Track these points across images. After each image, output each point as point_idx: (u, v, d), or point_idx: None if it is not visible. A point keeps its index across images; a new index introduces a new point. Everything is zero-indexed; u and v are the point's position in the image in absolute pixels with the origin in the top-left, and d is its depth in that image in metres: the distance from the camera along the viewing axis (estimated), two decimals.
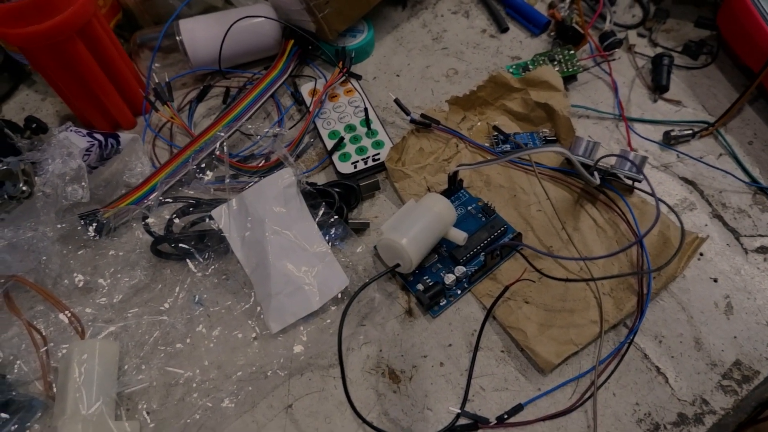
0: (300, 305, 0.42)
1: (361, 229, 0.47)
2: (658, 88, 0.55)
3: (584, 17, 0.58)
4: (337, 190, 0.46)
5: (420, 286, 0.42)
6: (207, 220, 0.46)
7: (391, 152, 0.50)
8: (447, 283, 0.42)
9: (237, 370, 0.40)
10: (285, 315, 0.42)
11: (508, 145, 0.51)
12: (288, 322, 0.42)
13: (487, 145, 0.51)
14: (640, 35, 0.61)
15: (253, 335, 0.42)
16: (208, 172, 0.51)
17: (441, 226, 0.42)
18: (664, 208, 0.46)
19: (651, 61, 0.57)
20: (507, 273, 0.44)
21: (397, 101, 0.52)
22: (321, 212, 0.45)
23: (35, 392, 0.40)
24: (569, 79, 0.56)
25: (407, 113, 0.51)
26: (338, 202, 0.46)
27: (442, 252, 0.43)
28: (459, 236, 0.42)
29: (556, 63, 0.56)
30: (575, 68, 0.55)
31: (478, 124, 0.53)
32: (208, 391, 0.40)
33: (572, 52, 0.56)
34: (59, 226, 0.43)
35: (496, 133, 0.51)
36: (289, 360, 0.41)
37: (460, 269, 0.42)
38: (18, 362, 0.41)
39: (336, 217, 0.45)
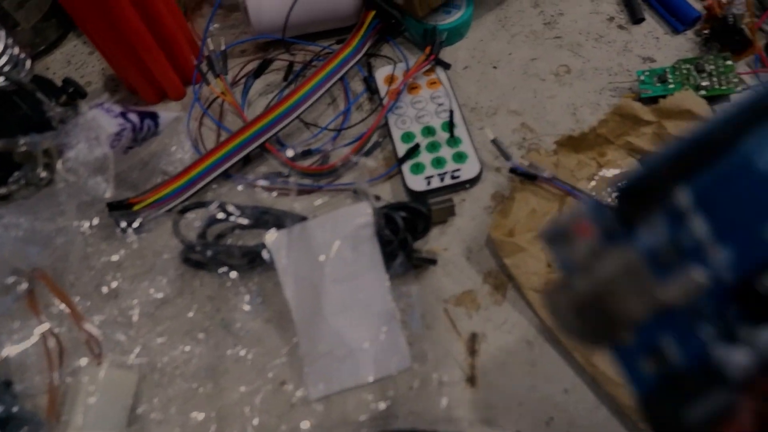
0: (349, 374, 0.35)
1: (423, 265, 0.39)
2: None
3: (753, 15, 0.44)
4: (402, 214, 0.38)
5: (647, 366, 0.13)
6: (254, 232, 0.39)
7: (497, 218, 0.39)
8: (731, 371, 0.12)
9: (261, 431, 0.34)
10: (329, 381, 0.35)
11: None
12: (331, 390, 0.35)
13: None
14: None
15: (287, 393, 0.35)
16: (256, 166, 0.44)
17: None
18: None
19: None
20: None
21: (495, 143, 0.40)
22: (398, 261, 0.36)
23: (42, 407, 0.36)
24: (719, 97, 0.43)
25: (507, 158, 0.40)
26: (403, 232, 0.37)
27: (724, 273, 0.13)
28: None
29: (705, 75, 0.43)
30: (731, 86, 0.42)
31: (602, 173, 0.41)
32: None
33: (729, 62, 0.43)
34: (85, 221, 0.38)
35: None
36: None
37: (754, 337, 0.12)
38: (31, 370, 0.36)
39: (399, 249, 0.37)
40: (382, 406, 0.35)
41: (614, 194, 0.13)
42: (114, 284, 0.38)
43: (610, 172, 0.42)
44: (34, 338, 0.35)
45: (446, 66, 0.46)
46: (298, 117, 0.44)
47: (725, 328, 0.12)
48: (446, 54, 0.49)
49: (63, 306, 0.37)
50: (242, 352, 0.37)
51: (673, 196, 0.13)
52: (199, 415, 0.35)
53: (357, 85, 0.48)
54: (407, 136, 0.43)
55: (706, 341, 0.13)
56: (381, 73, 0.46)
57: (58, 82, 0.45)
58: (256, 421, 0.35)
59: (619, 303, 0.12)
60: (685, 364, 0.12)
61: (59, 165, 0.36)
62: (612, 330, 0.12)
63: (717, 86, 0.43)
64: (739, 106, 0.13)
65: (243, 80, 0.48)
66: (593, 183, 0.41)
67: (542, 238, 0.14)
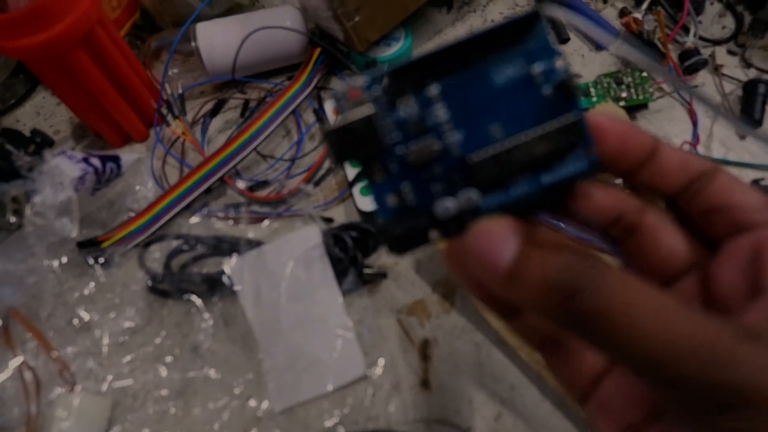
0: (309, 386, 0.38)
1: (373, 280, 0.42)
2: (748, 122, 0.46)
3: (665, 29, 0.48)
4: (352, 234, 0.41)
5: (391, 200, 0.19)
6: (216, 260, 0.42)
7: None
8: (440, 214, 0.19)
9: None
10: (292, 394, 0.37)
11: None
12: (294, 401, 0.37)
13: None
14: (730, 53, 0.51)
15: (253, 409, 0.38)
16: (217, 197, 0.47)
17: None
18: None
19: (742, 88, 0.48)
20: None
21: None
22: (349, 278, 0.39)
23: None
24: (639, 107, 0.47)
25: None
26: (352, 250, 0.40)
27: (453, 147, 0.19)
28: None
29: (623, 87, 0.47)
30: (647, 95, 0.46)
31: None
32: None
33: (645, 74, 0.47)
34: (54, 261, 0.40)
35: None
36: None
37: (471, 196, 0.19)
38: (8, 404, 0.38)
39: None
40: (343, 413, 0.38)
41: (385, 72, 0.18)
42: (86, 317, 0.40)
43: None
44: (10, 372, 0.37)
45: None
46: (254, 150, 0.47)
47: (449, 187, 0.19)
48: None
49: (38, 342, 0.40)
50: (210, 373, 0.39)
51: (426, 86, 0.19)
52: None
53: (309, 117, 0.51)
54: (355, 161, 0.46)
55: (433, 192, 0.19)
56: (330, 105, 0.50)
57: (27, 133, 0.48)
58: None
59: (360, 139, 0.18)
60: (416, 204, 0.19)
61: (27, 210, 0.39)
62: (361, 155, 0.19)
63: (635, 97, 0.47)
64: (489, 30, 0.18)
65: (201, 120, 0.51)
66: None
67: (333, 96, 0.19)
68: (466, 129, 0.19)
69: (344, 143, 0.19)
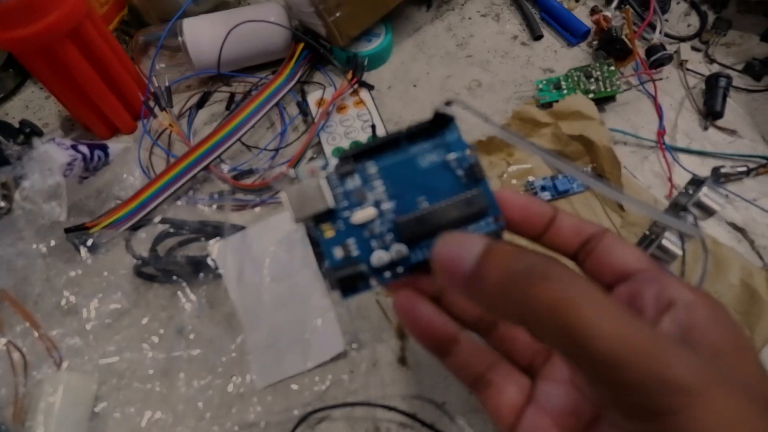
0: (290, 363, 0.39)
1: None
2: (710, 113, 0.48)
3: (632, 27, 0.51)
4: None
5: (338, 252, 0.25)
6: (201, 244, 0.43)
7: None
8: (375, 264, 0.24)
9: (214, 424, 0.38)
10: (274, 371, 0.39)
11: (547, 193, 0.45)
12: (275, 379, 0.39)
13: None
14: (694, 49, 0.53)
15: (236, 386, 0.39)
16: (203, 185, 0.48)
17: None
18: (743, 248, 0.41)
19: (705, 82, 0.50)
20: None
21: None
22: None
23: (9, 418, 0.39)
24: (607, 99, 0.50)
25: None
26: None
27: (387, 212, 0.25)
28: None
29: (592, 80, 0.49)
30: (614, 88, 0.49)
31: (510, 169, 0.47)
32: None
33: (612, 68, 0.49)
34: (42, 244, 0.41)
35: (532, 179, 0.46)
36: (270, 419, 0.38)
37: (399, 249, 0.24)
38: None
39: None
40: (323, 388, 0.39)
41: (338, 157, 0.24)
42: (73, 299, 0.41)
43: (517, 169, 0.47)
44: (1, 352, 0.38)
45: (370, 87, 0.52)
46: (238, 140, 0.49)
47: (383, 243, 0.24)
48: (372, 76, 0.54)
49: (27, 324, 0.41)
50: (194, 353, 0.41)
51: (367, 166, 0.24)
52: (156, 412, 0.38)
53: (293, 109, 0.53)
54: (337, 150, 0.48)
55: (373, 247, 0.24)
56: (312, 98, 0.52)
57: (17, 125, 0.49)
58: (209, 413, 0.39)
59: (310, 203, 0.23)
60: (358, 255, 0.24)
61: (16, 195, 0.40)
62: (314, 212, 0.23)
63: (603, 89, 0.49)
64: (416, 126, 0.24)
65: (188, 112, 0.53)
66: (502, 179, 0.47)
67: (294, 171, 0.24)
68: (398, 199, 0.25)
69: (301, 202, 0.24)
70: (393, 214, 0.25)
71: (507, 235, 0.25)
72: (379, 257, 0.24)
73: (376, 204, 0.25)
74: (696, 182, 0.39)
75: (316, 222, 0.25)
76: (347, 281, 0.24)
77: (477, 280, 0.19)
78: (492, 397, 0.24)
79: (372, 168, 0.25)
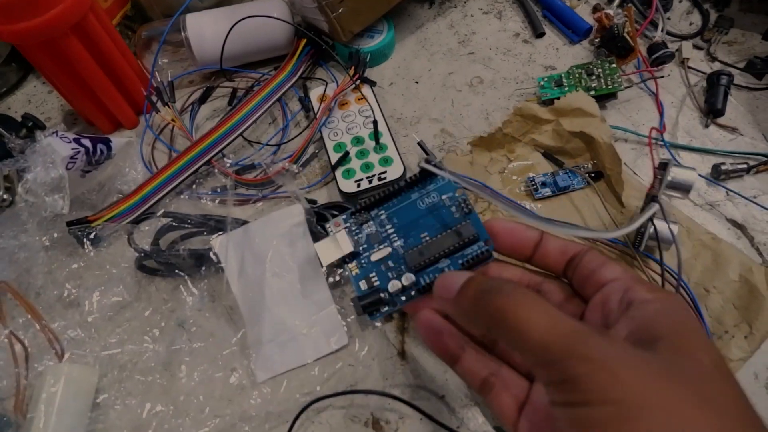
0: (291, 357, 0.39)
1: None
2: (711, 111, 0.49)
3: (634, 25, 0.51)
4: (334, 213, 0.43)
5: (363, 284, 0.32)
6: (203, 238, 0.43)
7: None
8: (391, 291, 0.31)
9: (214, 416, 0.38)
10: (274, 364, 0.39)
11: (548, 189, 0.45)
12: (276, 372, 0.39)
13: (525, 204, 0.45)
14: (696, 47, 0.53)
15: (237, 379, 0.39)
16: (205, 180, 0.48)
17: None
18: (743, 245, 0.42)
19: (706, 80, 0.50)
20: None
21: (421, 144, 0.47)
22: None
23: (10, 409, 0.39)
24: (608, 96, 0.50)
25: (431, 157, 0.46)
26: None
27: (398, 248, 0.32)
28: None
29: (594, 77, 0.49)
30: (616, 85, 0.49)
31: (510, 166, 0.47)
32: None
33: (614, 65, 0.49)
34: (45, 236, 0.42)
35: (532, 175, 0.46)
36: (270, 411, 0.38)
37: (409, 277, 0.31)
38: None
39: None
40: (323, 381, 0.39)
41: (353, 210, 0.32)
42: (75, 292, 0.42)
43: (518, 165, 0.47)
44: (0, 342, 0.38)
45: (372, 83, 0.52)
46: (240, 135, 0.49)
47: (398, 273, 0.31)
48: (374, 73, 0.54)
49: (29, 316, 0.41)
50: (195, 346, 0.41)
51: (377, 213, 0.32)
52: (157, 404, 0.39)
53: (295, 105, 0.53)
54: (339, 146, 0.48)
55: (390, 277, 0.31)
56: (315, 93, 0.52)
57: (19, 119, 0.49)
58: (208, 406, 0.39)
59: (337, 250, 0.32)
60: (378, 285, 0.31)
61: (19, 188, 0.40)
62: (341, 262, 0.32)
63: (604, 86, 0.49)
64: (414, 177, 0.32)
65: (190, 107, 0.53)
66: (503, 175, 0.47)
67: (327, 226, 0.33)
68: (405, 237, 0.32)
69: (328, 251, 0.32)
70: (402, 249, 0.31)
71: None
72: (393, 284, 0.31)
73: (389, 243, 0.32)
74: (662, 165, 0.39)
75: (342, 263, 0.32)
76: (371, 306, 0.31)
77: (459, 299, 0.25)
78: (496, 397, 0.28)
79: (382, 214, 0.32)
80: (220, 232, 0.42)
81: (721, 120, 0.49)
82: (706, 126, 0.49)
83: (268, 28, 0.52)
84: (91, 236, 0.42)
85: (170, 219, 0.43)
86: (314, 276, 0.41)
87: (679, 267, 0.38)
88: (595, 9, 0.56)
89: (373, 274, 0.32)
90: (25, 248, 0.41)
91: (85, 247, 0.43)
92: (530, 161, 0.48)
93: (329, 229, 0.32)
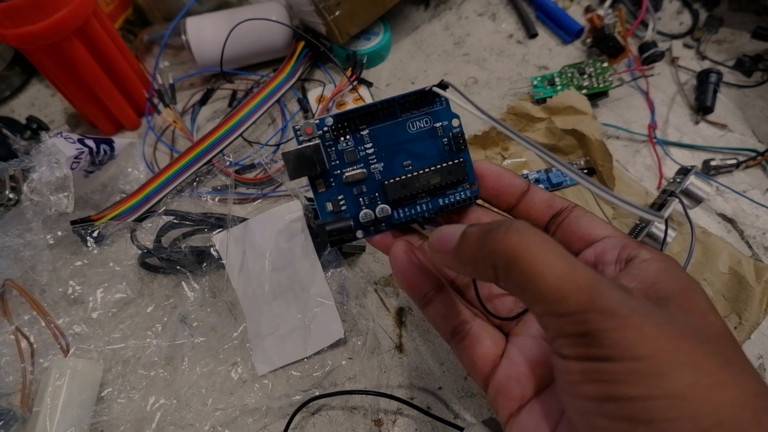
0: (291, 350, 0.40)
1: (353, 253, 0.44)
2: (701, 108, 0.50)
3: (625, 25, 0.52)
4: None
5: (329, 206, 0.28)
6: (204, 235, 0.44)
7: None
8: (362, 220, 0.28)
9: (216, 409, 0.39)
10: (273, 358, 0.40)
11: (541, 185, 0.46)
12: (276, 365, 0.40)
13: None
14: (686, 46, 0.54)
15: (238, 372, 0.40)
16: (206, 179, 0.49)
17: None
18: (733, 238, 0.42)
19: (696, 77, 0.51)
20: None
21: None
22: (328, 250, 0.42)
23: (16, 404, 0.40)
24: (600, 94, 0.51)
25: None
26: None
27: (375, 173, 0.27)
28: None
29: (585, 76, 0.50)
30: (607, 84, 0.50)
31: (505, 163, 0.48)
32: (184, 428, 0.38)
33: (605, 65, 0.50)
34: (49, 235, 0.42)
35: (526, 172, 0.47)
36: (271, 404, 0.39)
37: (384, 209, 0.28)
38: (4, 369, 0.40)
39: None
40: (322, 374, 0.40)
41: (330, 118, 0.27)
42: (79, 289, 0.42)
43: (512, 162, 0.48)
44: (7, 338, 0.39)
45: (369, 84, 0.53)
46: (240, 136, 0.50)
47: (371, 201, 0.27)
48: (371, 74, 0.56)
49: (34, 312, 0.42)
50: (197, 340, 0.42)
51: (359, 129, 0.27)
52: (160, 397, 0.39)
53: (294, 106, 0.54)
54: None
55: (361, 204, 0.27)
56: (313, 94, 0.53)
57: (23, 122, 0.50)
58: (210, 399, 0.40)
59: (309, 161, 0.27)
60: (346, 210, 0.28)
61: (24, 187, 0.41)
62: (309, 173, 0.27)
63: (595, 85, 0.50)
64: (410, 93, 0.27)
65: (191, 108, 0.54)
66: None
67: (293, 128, 0.27)
68: (386, 162, 0.27)
69: (297, 163, 0.26)
70: (381, 176, 0.27)
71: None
72: (366, 214, 0.27)
73: (366, 165, 0.27)
74: (684, 171, 0.40)
75: (310, 180, 0.27)
76: (335, 233, 0.27)
77: (459, 249, 0.23)
78: (468, 347, 0.27)
79: (364, 130, 0.27)
80: (221, 229, 0.43)
81: (710, 117, 0.50)
82: (697, 123, 0.50)
83: (267, 31, 0.53)
84: (95, 234, 0.43)
85: (172, 217, 0.44)
86: (312, 270, 0.42)
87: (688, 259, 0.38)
88: (587, 10, 0.57)
89: (342, 197, 0.27)
90: (30, 246, 0.41)
91: (89, 245, 0.43)
92: (524, 158, 0.49)
93: (299, 136, 0.27)
